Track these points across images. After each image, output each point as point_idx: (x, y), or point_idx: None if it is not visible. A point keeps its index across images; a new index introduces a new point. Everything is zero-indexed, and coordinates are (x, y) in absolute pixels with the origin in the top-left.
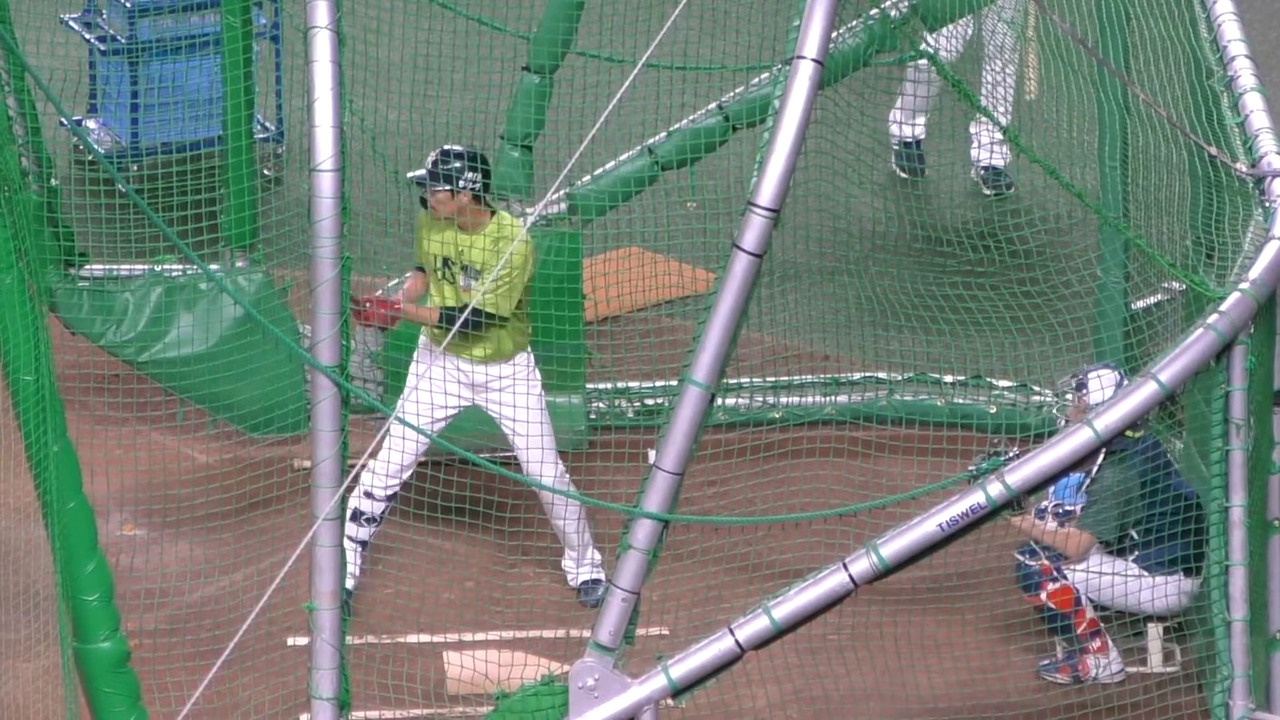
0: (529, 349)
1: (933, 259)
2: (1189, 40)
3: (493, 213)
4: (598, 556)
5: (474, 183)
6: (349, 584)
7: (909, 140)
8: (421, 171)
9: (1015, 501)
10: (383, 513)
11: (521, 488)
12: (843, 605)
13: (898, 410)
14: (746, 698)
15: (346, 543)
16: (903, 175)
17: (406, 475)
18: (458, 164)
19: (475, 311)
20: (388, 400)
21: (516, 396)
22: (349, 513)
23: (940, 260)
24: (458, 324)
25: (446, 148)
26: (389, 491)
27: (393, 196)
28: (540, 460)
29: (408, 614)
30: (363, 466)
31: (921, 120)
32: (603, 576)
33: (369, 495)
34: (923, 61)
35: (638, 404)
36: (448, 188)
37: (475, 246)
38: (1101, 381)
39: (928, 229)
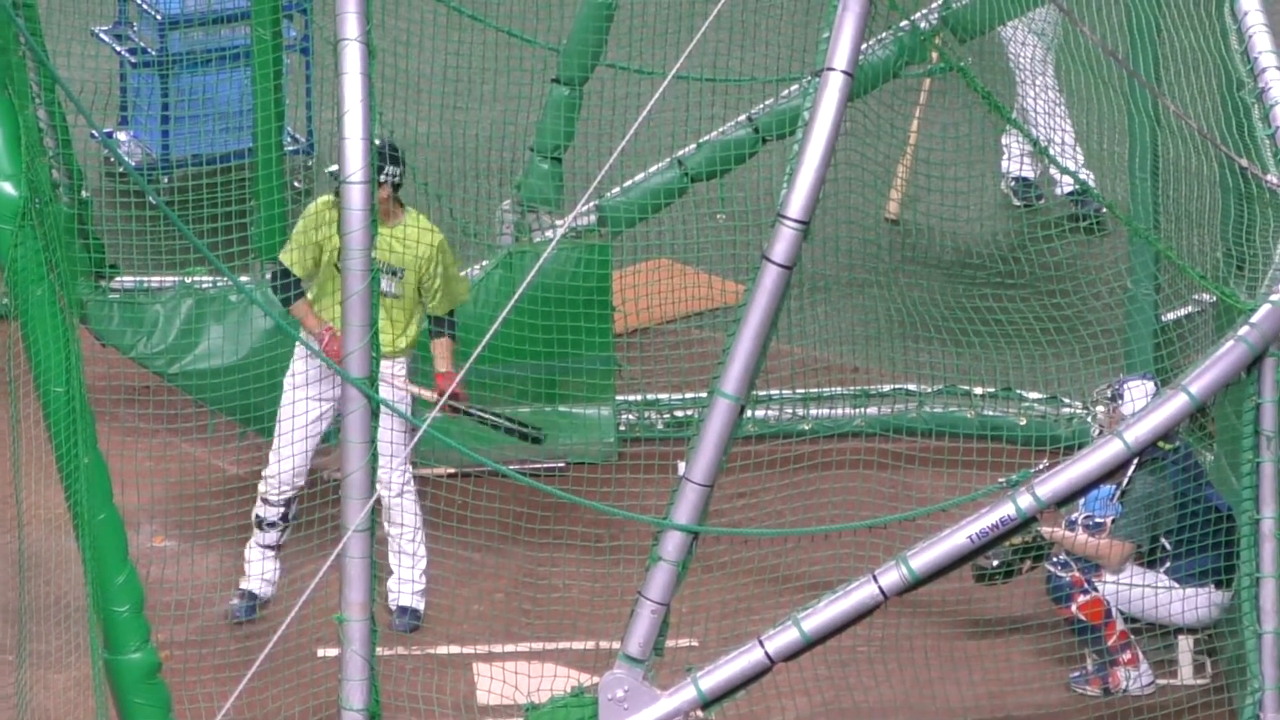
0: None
1: (962, 271)
2: (1220, 52)
3: (401, 207)
4: (423, 582)
5: (394, 175)
6: (267, 590)
7: (1017, 177)
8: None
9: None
10: (283, 516)
11: (550, 499)
12: (872, 617)
13: (927, 422)
14: (776, 710)
15: (256, 549)
16: (1017, 204)
17: (300, 481)
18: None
19: (437, 320)
20: (418, 413)
21: (395, 393)
22: (253, 519)
23: (970, 272)
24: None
25: None
26: (284, 496)
27: (423, 209)
28: (390, 466)
29: (437, 625)
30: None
31: (1029, 161)
32: (422, 607)
33: (265, 501)
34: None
35: (667, 416)
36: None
37: (394, 246)
38: (1136, 393)
39: (958, 240)
